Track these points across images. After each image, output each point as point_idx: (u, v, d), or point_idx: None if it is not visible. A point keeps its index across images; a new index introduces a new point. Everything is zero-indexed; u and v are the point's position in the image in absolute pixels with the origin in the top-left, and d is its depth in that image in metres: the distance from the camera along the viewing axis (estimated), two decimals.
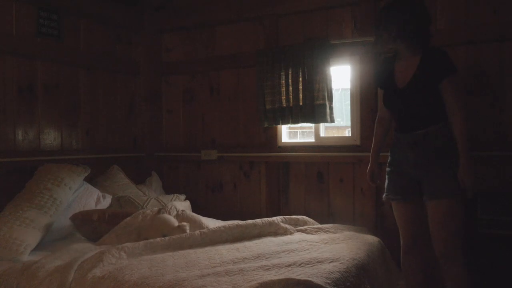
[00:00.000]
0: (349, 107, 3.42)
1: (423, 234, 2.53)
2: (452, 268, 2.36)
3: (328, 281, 1.96)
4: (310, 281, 1.89)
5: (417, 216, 2.52)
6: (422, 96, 2.37)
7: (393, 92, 2.47)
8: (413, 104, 2.39)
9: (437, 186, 2.34)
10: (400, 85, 2.43)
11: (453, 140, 2.34)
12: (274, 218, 2.97)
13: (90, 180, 3.38)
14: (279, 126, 3.61)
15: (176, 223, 2.79)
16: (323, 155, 3.41)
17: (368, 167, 2.72)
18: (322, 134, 3.55)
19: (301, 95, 3.36)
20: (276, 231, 2.87)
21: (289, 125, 3.66)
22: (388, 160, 2.57)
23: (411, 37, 2.39)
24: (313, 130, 3.59)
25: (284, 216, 3.07)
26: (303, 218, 3.11)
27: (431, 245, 2.43)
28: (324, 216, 3.40)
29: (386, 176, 2.58)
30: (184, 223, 2.81)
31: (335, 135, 3.96)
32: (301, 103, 3.36)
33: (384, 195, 2.59)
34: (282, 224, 2.92)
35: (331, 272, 2.06)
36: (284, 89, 3.43)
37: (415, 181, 2.45)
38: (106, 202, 3.27)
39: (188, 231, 2.77)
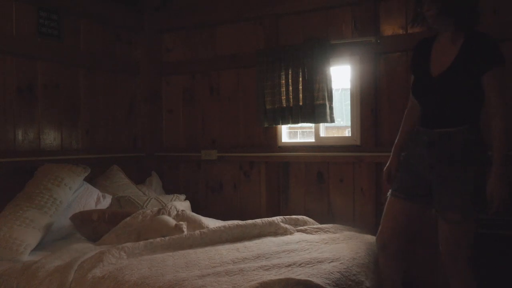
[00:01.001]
0: (349, 107, 3.42)
1: (412, 235, 2.32)
2: (456, 266, 2.14)
3: (328, 281, 1.96)
4: (310, 281, 1.89)
5: (413, 215, 2.27)
6: (458, 88, 2.04)
7: (425, 80, 2.15)
8: (445, 97, 2.07)
9: (451, 204, 2.04)
10: (435, 72, 2.11)
11: (479, 148, 2.03)
12: (274, 218, 2.96)
13: (90, 180, 3.38)
14: (279, 126, 3.61)
15: (173, 223, 2.79)
16: (323, 155, 3.42)
17: (387, 165, 2.41)
18: (322, 134, 3.55)
19: (301, 95, 3.36)
20: (276, 231, 2.87)
21: (289, 125, 3.66)
22: (402, 155, 2.33)
23: (458, 13, 2.02)
24: (313, 130, 3.59)
25: (284, 216, 3.07)
26: (303, 218, 3.11)
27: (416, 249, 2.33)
28: (324, 216, 3.40)
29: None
30: (182, 223, 2.81)
31: (335, 135, 3.97)
32: (301, 103, 3.36)
33: (389, 192, 2.35)
34: (282, 224, 2.92)
35: (331, 272, 2.07)
36: (284, 89, 3.43)
37: (426, 183, 2.17)
38: (106, 202, 3.27)
39: (185, 230, 2.77)
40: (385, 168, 2.42)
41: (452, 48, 2.07)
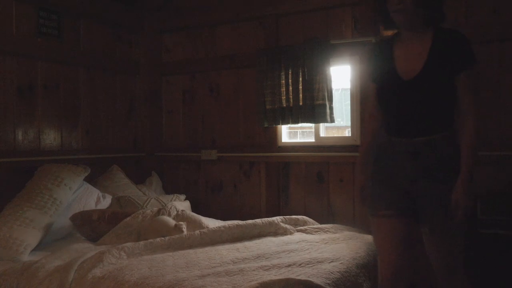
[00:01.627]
0: (349, 107, 3.42)
1: (412, 261, 2.07)
2: (454, 278, 1.97)
3: (328, 281, 1.96)
4: (310, 281, 1.89)
5: (409, 237, 2.00)
6: (435, 91, 1.85)
7: (394, 85, 1.92)
8: (422, 101, 1.87)
9: (440, 219, 1.88)
10: (406, 76, 1.88)
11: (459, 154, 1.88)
12: (274, 218, 2.96)
13: (90, 180, 3.38)
14: (279, 126, 3.61)
15: (173, 223, 2.79)
16: (323, 155, 3.41)
17: (359, 183, 2.09)
18: (322, 134, 3.55)
19: (301, 95, 3.36)
20: (276, 231, 2.87)
21: (289, 125, 3.66)
22: (372, 169, 2.04)
23: (431, 5, 1.85)
24: (313, 130, 3.59)
25: (284, 216, 3.07)
26: (303, 218, 3.11)
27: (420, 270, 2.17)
28: (324, 216, 3.40)
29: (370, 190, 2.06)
30: (181, 223, 2.81)
31: (335, 135, 3.96)
32: (301, 103, 3.36)
33: (369, 213, 2.06)
34: (282, 224, 2.92)
35: (331, 272, 2.07)
36: (284, 89, 3.43)
37: (409, 197, 1.94)
38: (106, 202, 3.27)
39: (185, 230, 2.77)
40: (357, 187, 2.09)
41: (420, 48, 1.88)
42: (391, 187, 1.96)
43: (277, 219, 2.97)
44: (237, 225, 2.81)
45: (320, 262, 2.21)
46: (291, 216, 3.10)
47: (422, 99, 1.87)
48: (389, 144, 1.98)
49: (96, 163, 3.53)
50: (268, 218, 2.97)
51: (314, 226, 2.99)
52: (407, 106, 1.90)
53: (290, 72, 3.41)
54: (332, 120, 3.33)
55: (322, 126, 3.53)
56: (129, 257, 2.35)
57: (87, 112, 3.60)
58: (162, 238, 2.57)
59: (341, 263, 2.21)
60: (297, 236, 2.83)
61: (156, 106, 4.15)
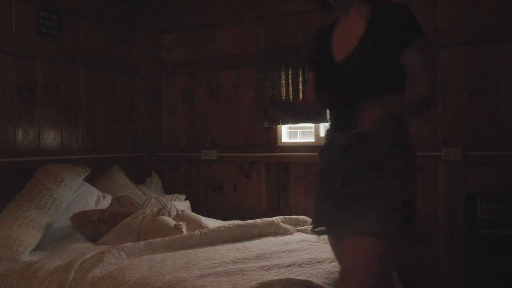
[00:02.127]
0: None
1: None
2: None
3: (328, 281, 1.96)
4: (310, 281, 1.89)
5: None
6: (370, 72, 1.53)
7: (328, 69, 1.65)
8: (354, 85, 1.56)
9: (369, 223, 1.49)
10: (339, 57, 1.61)
11: (407, 152, 1.55)
12: (274, 218, 2.96)
13: (90, 180, 3.37)
14: (279, 126, 3.61)
15: (173, 223, 2.79)
16: None
17: None
18: (322, 134, 3.55)
19: (301, 95, 3.36)
20: (276, 231, 2.87)
21: (289, 125, 3.66)
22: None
23: None
24: (313, 130, 3.59)
25: (284, 216, 3.07)
26: (303, 218, 3.11)
27: None
28: None
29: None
30: (181, 223, 2.81)
31: None
32: None
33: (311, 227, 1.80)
34: (282, 224, 2.92)
35: (331, 272, 2.07)
36: (284, 89, 3.43)
37: (343, 204, 1.58)
38: (106, 202, 3.27)
39: (185, 230, 2.77)
40: None
41: (358, 25, 1.60)
42: (326, 194, 1.67)
43: (277, 219, 2.97)
44: (237, 225, 2.81)
45: (320, 262, 2.21)
46: (291, 216, 3.10)
47: (354, 82, 1.56)
48: (327, 140, 1.71)
49: (96, 163, 3.53)
50: (268, 218, 2.97)
51: None
52: (339, 93, 1.62)
53: (290, 72, 3.41)
54: None
55: (322, 126, 3.53)
56: (129, 257, 2.34)
57: (87, 112, 3.60)
58: (162, 238, 2.57)
59: None
60: (297, 236, 2.83)
61: (156, 106, 4.15)
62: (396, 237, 1.50)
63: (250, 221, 2.90)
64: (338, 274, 2.07)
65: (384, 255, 1.50)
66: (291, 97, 3.40)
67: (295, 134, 4.19)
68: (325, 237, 2.76)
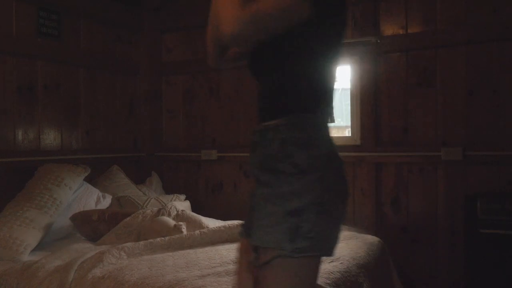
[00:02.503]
0: (349, 107, 3.42)
1: None
2: None
3: (328, 281, 1.96)
4: None
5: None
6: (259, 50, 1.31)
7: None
8: (255, 70, 1.41)
9: (261, 236, 1.21)
10: None
11: (303, 150, 1.20)
12: None
13: (90, 180, 3.37)
14: None
15: (173, 223, 2.79)
16: None
17: None
18: None
19: None
20: None
21: None
22: None
23: None
24: None
25: None
26: None
27: None
28: None
29: None
30: (181, 223, 2.81)
31: (335, 135, 3.96)
32: None
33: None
34: None
35: (331, 272, 2.06)
36: None
37: (248, 208, 1.39)
38: (106, 202, 3.27)
39: (185, 230, 2.77)
40: None
41: None
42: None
43: None
44: (237, 225, 2.81)
45: None
46: None
47: (253, 66, 1.38)
48: None
49: (96, 163, 3.53)
50: None
51: None
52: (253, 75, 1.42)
53: None
54: (332, 120, 3.31)
55: None
56: (129, 257, 2.34)
57: (87, 112, 3.60)
58: (162, 238, 2.57)
59: (341, 263, 2.21)
60: None
61: (156, 106, 4.15)
62: (286, 254, 1.15)
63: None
64: (338, 274, 2.07)
65: (289, 277, 1.19)
66: None
67: None
68: None
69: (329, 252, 1.21)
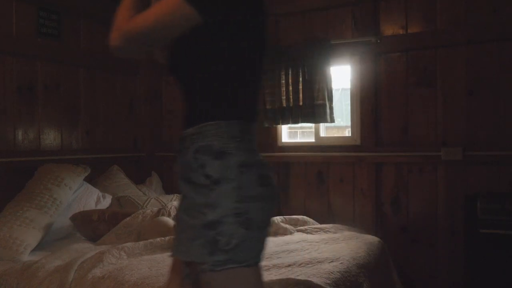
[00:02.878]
0: (349, 107, 3.42)
1: None
2: None
3: (328, 281, 1.96)
4: (310, 281, 1.89)
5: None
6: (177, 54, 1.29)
7: None
8: (172, 73, 1.36)
9: (182, 249, 1.20)
10: None
11: (223, 159, 1.17)
12: (274, 218, 2.96)
13: (90, 180, 3.37)
14: (279, 126, 3.61)
15: (173, 223, 2.79)
16: (323, 155, 3.41)
17: None
18: (322, 134, 3.55)
19: (301, 95, 3.36)
20: (276, 231, 2.87)
21: (289, 125, 3.66)
22: None
23: None
24: (313, 130, 3.59)
25: (284, 216, 3.07)
26: (303, 218, 3.11)
27: None
28: (324, 216, 3.40)
29: None
30: None
31: (335, 135, 3.96)
32: (301, 103, 3.36)
33: None
34: (282, 224, 2.92)
35: (331, 272, 2.06)
36: (284, 89, 3.43)
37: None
38: (106, 202, 3.26)
39: None
40: None
41: None
42: None
43: (277, 219, 2.97)
44: None
45: (320, 262, 2.20)
46: (291, 216, 3.10)
47: (169, 66, 1.35)
48: None
49: (96, 163, 3.52)
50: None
51: (314, 226, 2.99)
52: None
53: (290, 72, 3.41)
54: (332, 120, 3.33)
55: (322, 126, 3.53)
56: (129, 257, 2.34)
57: (87, 112, 3.60)
58: (162, 238, 2.57)
59: (341, 263, 2.21)
60: (297, 236, 2.83)
61: (156, 106, 4.15)
62: (208, 268, 1.13)
63: None
64: (338, 274, 2.07)
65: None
66: (291, 97, 3.40)
67: (295, 134, 4.19)
68: (325, 236, 2.77)
69: (253, 261, 1.17)
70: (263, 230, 1.20)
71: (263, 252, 1.20)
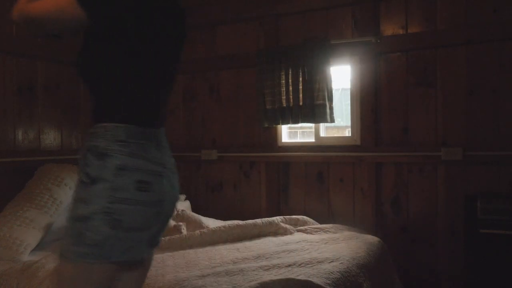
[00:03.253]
0: (349, 107, 3.42)
1: None
2: None
3: (328, 281, 1.96)
4: (310, 281, 1.89)
5: None
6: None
7: None
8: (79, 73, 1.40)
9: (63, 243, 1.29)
10: None
11: (101, 159, 1.24)
12: (274, 218, 2.97)
13: None
14: (279, 126, 3.61)
15: (172, 223, 2.79)
16: (323, 155, 3.41)
17: None
18: (322, 134, 3.55)
19: (301, 95, 3.36)
20: (276, 231, 2.88)
21: (289, 125, 3.66)
22: None
23: None
24: (313, 130, 3.59)
25: (284, 216, 3.07)
26: (303, 218, 3.11)
27: None
28: (324, 216, 3.40)
29: None
30: (180, 223, 2.81)
31: (335, 135, 3.96)
32: (301, 103, 3.36)
33: None
34: (282, 224, 2.92)
35: (331, 272, 2.07)
36: (284, 89, 3.43)
37: None
38: None
39: (184, 230, 2.77)
40: None
41: None
42: None
43: (277, 219, 2.97)
44: (237, 225, 2.81)
45: (320, 262, 2.21)
46: (291, 216, 3.10)
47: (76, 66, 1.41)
48: None
49: None
50: (268, 218, 2.97)
51: (314, 226, 2.99)
52: None
53: (290, 72, 3.41)
54: (332, 120, 3.33)
55: (322, 126, 3.53)
56: None
57: (87, 112, 3.59)
58: (162, 238, 2.57)
59: (341, 263, 2.21)
60: (297, 236, 2.83)
61: None
62: (68, 256, 1.23)
63: (250, 221, 2.90)
64: (338, 274, 2.07)
65: (70, 280, 1.25)
66: (291, 97, 3.40)
67: (295, 134, 4.19)
68: (325, 236, 2.77)
69: (115, 260, 1.25)
70: (136, 232, 1.26)
71: (134, 252, 1.28)
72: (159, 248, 1.53)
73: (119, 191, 1.22)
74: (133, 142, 1.27)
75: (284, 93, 3.43)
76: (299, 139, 4.14)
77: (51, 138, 3.31)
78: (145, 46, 1.30)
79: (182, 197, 3.71)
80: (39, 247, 2.67)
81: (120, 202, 1.22)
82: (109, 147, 1.25)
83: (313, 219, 3.20)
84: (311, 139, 3.59)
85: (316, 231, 2.90)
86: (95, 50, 1.30)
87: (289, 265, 2.16)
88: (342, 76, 3.70)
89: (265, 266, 2.16)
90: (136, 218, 1.25)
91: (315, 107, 3.31)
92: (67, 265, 1.25)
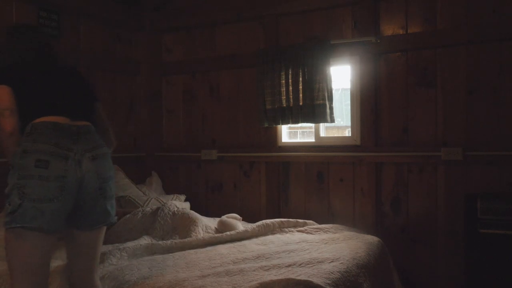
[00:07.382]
0: (349, 107, 3.42)
1: None
2: None
3: (328, 281, 1.96)
4: (310, 281, 1.89)
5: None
6: None
7: None
8: None
9: None
10: None
11: (17, 155, 1.71)
12: (271, 221, 3.01)
13: None
14: (279, 126, 3.61)
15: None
16: (323, 155, 3.41)
17: None
18: (322, 134, 3.55)
19: (301, 95, 3.36)
20: (276, 231, 2.89)
21: (289, 125, 3.66)
22: None
23: None
24: (313, 130, 3.59)
25: (282, 220, 3.05)
26: (304, 221, 3.10)
27: None
28: (324, 216, 3.40)
29: None
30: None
31: (335, 135, 3.97)
32: (301, 103, 3.36)
33: None
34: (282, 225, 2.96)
35: (331, 272, 2.07)
36: (284, 89, 3.43)
37: None
38: None
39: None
40: None
41: None
42: None
43: (276, 221, 3.01)
44: (237, 232, 2.84)
45: (320, 262, 2.21)
46: (289, 220, 3.08)
47: None
48: None
49: None
50: (266, 220, 3.01)
51: (314, 226, 2.99)
52: None
53: (290, 72, 3.41)
54: (332, 120, 3.33)
55: (322, 126, 3.53)
56: (130, 257, 2.35)
57: None
58: (164, 241, 2.59)
59: (341, 263, 2.21)
60: (297, 236, 2.83)
61: (156, 106, 4.15)
62: (6, 227, 1.65)
63: (249, 227, 2.92)
64: (338, 274, 2.07)
65: (7, 243, 1.69)
66: (291, 97, 3.40)
67: (295, 134, 4.19)
68: (325, 236, 2.77)
69: (29, 225, 1.62)
70: (39, 202, 1.64)
71: (42, 221, 1.63)
72: (91, 230, 1.85)
73: (23, 169, 1.65)
74: (36, 133, 1.71)
75: (284, 93, 3.43)
76: (299, 139, 4.14)
77: None
78: (35, 94, 1.84)
79: (182, 197, 3.71)
80: None
81: (24, 178, 1.64)
82: (22, 140, 1.72)
83: (313, 219, 3.21)
84: (311, 139, 3.59)
85: (316, 231, 2.91)
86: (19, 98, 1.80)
87: (289, 265, 2.16)
88: (342, 76, 3.70)
89: (265, 266, 2.16)
90: (36, 190, 1.63)
91: (315, 107, 3.31)
92: (4, 233, 1.69)
